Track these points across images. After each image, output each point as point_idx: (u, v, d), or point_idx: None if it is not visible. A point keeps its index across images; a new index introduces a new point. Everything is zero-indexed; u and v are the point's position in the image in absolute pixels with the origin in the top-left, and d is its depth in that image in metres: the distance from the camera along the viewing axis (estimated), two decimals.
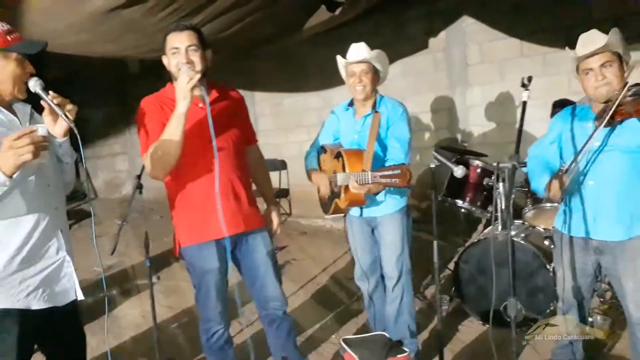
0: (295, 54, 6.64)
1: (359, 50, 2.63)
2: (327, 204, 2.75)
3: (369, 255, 2.84)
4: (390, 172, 2.09)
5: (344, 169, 2.47)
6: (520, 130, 1.94)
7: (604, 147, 2.09)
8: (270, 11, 3.80)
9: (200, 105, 2.12)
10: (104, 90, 8.93)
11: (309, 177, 2.81)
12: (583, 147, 2.04)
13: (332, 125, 2.86)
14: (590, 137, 2.03)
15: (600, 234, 2.13)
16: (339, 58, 2.73)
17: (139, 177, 2.91)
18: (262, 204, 2.50)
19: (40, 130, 1.53)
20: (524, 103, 1.95)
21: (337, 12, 3.94)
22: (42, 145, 1.52)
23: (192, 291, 2.39)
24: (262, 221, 2.38)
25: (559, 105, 3.59)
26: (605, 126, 2.04)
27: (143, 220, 2.94)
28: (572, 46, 2.15)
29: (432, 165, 2.41)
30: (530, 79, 1.96)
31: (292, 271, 4.67)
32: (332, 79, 6.34)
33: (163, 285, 4.53)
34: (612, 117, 2.00)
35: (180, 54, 2.07)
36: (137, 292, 4.40)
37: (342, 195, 2.51)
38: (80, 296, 1.90)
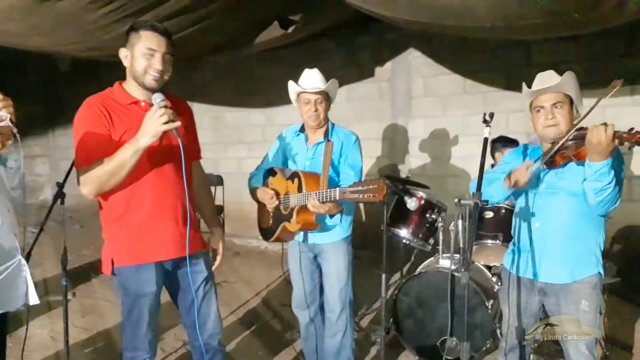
0: (242, 68, 6.51)
1: (314, 79, 2.58)
2: (270, 228, 2.61)
3: (310, 283, 2.72)
4: (363, 187, 1.97)
5: (299, 190, 2.36)
6: (482, 167, 1.91)
7: (550, 189, 2.11)
8: (220, 21, 3.65)
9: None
10: (28, 88, 8.29)
11: (253, 196, 2.67)
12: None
13: (281, 146, 2.76)
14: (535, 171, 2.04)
15: (544, 276, 2.13)
16: (292, 84, 2.64)
17: (61, 185, 2.64)
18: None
19: (6, 120, 1.55)
20: (485, 139, 1.93)
21: (290, 30, 3.87)
22: (7, 135, 1.53)
23: (113, 311, 2.16)
24: (205, 244, 2.21)
25: (498, 141, 3.69)
26: (547, 168, 2.06)
27: (62, 231, 2.64)
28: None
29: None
30: (492, 115, 1.94)
31: (222, 294, 4.40)
32: (278, 97, 6.28)
33: (79, 303, 4.14)
34: (554, 159, 2.02)
35: (155, 58, 1.90)
36: (48, 310, 3.97)
37: (294, 217, 2.38)
38: (35, 300, 1.87)
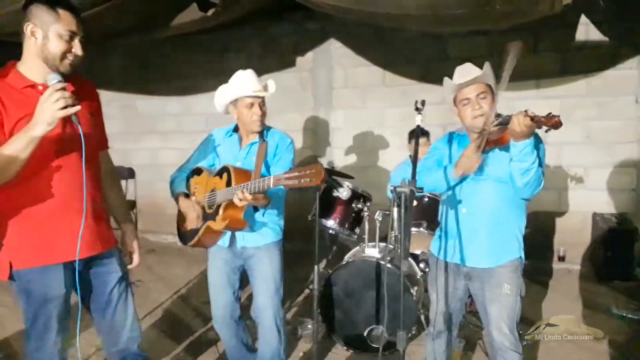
0: (156, 53, 6.16)
1: (252, 81, 2.40)
2: (192, 232, 2.42)
3: (231, 296, 2.54)
4: (300, 173, 1.86)
5: (228, 185, 2.21)
6: (415, 154, 1.89)
7: (478, 175, 2.15)
8: None
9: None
10: None
11: (176, 201, 2.49)
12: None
13: (210, 147, 2.58)
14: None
15: (470, 260, 2.18)
16: (230, 89, 2.43)
17: None
18: None
19: None
20: (418, 127, 1.92)
21: (210, 12, 3.67)
22: None
23: (13, 318, 1.91)
24: (116, 241, 2.02)
25: (412, 132, 3.81)
26: None
27: None
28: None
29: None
30: (423, 103, 1.93)
31: (136, 295, 4.12)
32: (195, 84, 6.02)
33: None
34: (484, 146, 2.06)
35: (76, 42, 1.70)
36: None
37: (220, 213, 2.22)
38: None
